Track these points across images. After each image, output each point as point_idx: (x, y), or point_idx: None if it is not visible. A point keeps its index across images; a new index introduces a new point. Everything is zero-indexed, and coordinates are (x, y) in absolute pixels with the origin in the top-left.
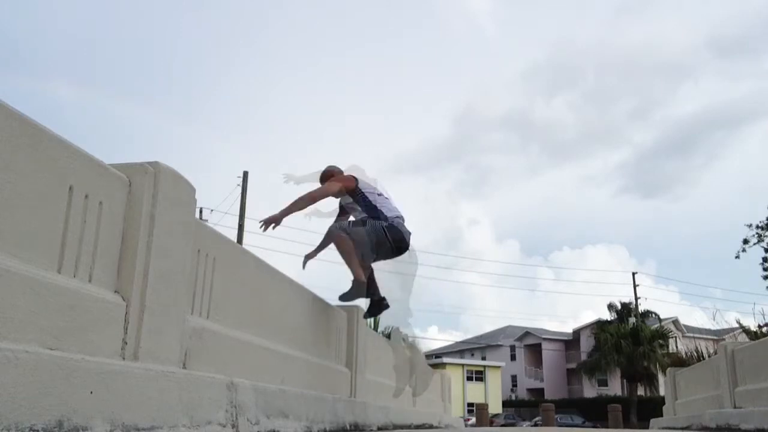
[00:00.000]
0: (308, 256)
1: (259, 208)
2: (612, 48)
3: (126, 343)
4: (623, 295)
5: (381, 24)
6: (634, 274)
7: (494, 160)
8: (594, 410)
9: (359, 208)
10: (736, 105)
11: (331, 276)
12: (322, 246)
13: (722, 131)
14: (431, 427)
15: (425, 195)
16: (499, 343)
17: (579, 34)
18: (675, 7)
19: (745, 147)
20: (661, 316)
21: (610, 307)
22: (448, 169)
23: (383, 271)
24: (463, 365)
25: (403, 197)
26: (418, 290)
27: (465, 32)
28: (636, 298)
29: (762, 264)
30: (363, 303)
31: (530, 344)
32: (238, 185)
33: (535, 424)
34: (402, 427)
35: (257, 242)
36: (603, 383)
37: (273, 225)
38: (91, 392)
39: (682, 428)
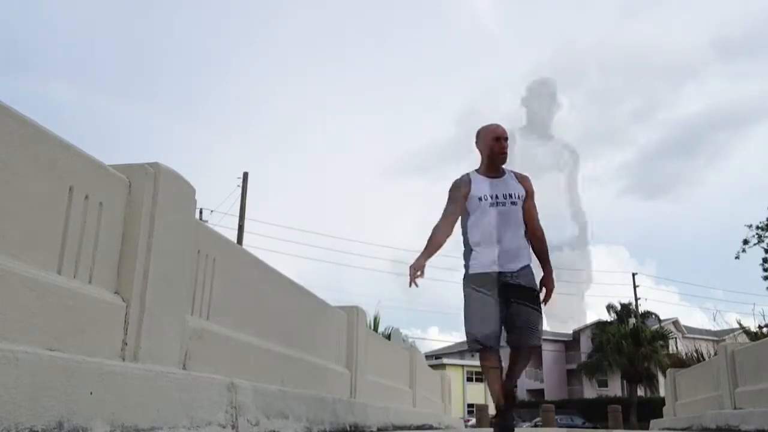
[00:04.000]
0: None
1: (259, 209)
2: (615, 48)
3: (126, 344)
4: (623, 295)
5: (384, 24)
6: (634, 275)
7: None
8: (594, 411)
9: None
10: (740, 106)
11: (330, 276)
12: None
13: (725, 132)
14: (431, 427)
15: (427, 195)
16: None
17: (582, 35)
18: (679, 7)
19: (748, 148)
20: (661, 317)
21: (610, 307)
22: (450, 170)
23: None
24: (463, 366)
25: (405, 198)
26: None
27: (468, 32)
28: (636, 299)
29: (762, 265)
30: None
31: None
32: (238, 186)
33: (536, 425)
34: (402, 427)
35: (257, 243)
36: (603, 384)
37: (419, 273)
38: (91, 393)
39: (682, 429)
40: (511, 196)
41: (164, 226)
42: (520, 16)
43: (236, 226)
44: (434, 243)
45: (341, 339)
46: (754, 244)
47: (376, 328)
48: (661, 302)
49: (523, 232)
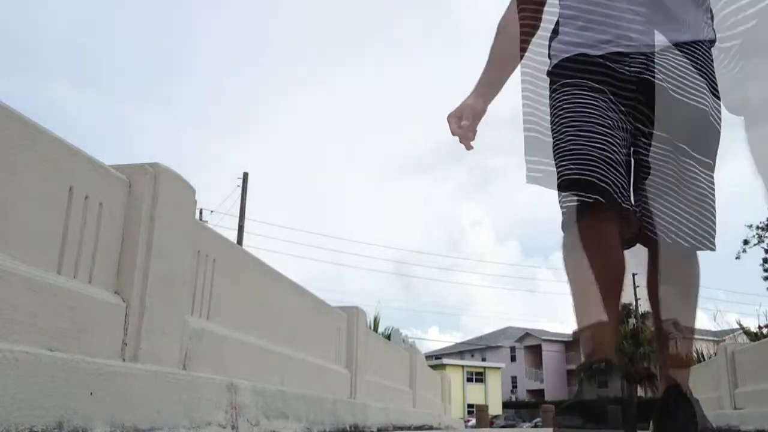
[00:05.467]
0: None
1: (259, 209)
2: None
3: (126, 344)
4: (623, 296)
5: (386, 24)
6: (634, 275)
7: (498, 161)
8: None
9: None
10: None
11: (330, 276)
12: None
13: (725, 132)
14: (431, 428)
15: (428, 196)
16: (499, 344)
17: None
18: None
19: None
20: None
21: None
22: (451, 171)
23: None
24: (463, 366)
25: (405, 198)
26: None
27: (470, 32)
28: (636, 299)
29: (762, 265)
30: None
31: (530, 345)
32: (238, 186)
33: (536, 426)
34: (402, 428)
35: (257, 243)
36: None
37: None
38: (91, 393)
39: None
40: None
41: (164, 226)
42: None
43: (236, 227)
44: (502, 52)
45: (341, 339)
46: (754, 245)
47: (376, 328)
48: None
49: None
